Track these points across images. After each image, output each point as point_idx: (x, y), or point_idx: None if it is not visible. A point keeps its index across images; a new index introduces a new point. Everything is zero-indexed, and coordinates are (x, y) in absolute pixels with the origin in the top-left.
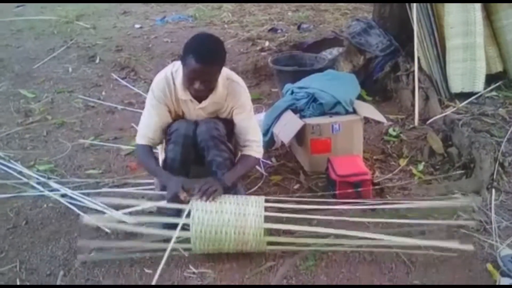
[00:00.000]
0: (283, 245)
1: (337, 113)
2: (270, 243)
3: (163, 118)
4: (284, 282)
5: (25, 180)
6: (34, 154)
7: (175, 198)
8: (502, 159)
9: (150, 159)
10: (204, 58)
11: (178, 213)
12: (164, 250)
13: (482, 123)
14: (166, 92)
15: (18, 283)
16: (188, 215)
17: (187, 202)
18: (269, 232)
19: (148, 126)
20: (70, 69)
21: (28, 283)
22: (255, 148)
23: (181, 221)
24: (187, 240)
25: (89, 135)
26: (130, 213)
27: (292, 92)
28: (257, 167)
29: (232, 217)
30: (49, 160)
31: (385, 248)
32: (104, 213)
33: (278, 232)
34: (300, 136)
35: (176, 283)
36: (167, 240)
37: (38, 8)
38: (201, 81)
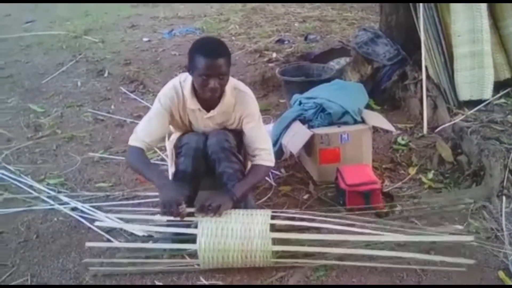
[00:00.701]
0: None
1: (345, 123)
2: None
3: (163, 127)
4: None
5: (35, 194)
6: (44, 168)
7: (172, 206)
8: None
9: (144, 161)
10: (211, 52)
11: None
12: (174, 264)
13: (491, 130)
14: (174, 101)
15: None
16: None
17: (182, 216)
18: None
19: (146, 130)
20: (79, 83)
21: None
22: (265, 156)
23: (188, 231)
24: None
25: (98, 148)
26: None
27: (300, 103)
28: (267, 178)
29: (238, 242)
30: (59, 174)
31: (395, 259)
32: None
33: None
34: (308, 146)
35: None
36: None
37: (46, 24)
38: (214, 76)
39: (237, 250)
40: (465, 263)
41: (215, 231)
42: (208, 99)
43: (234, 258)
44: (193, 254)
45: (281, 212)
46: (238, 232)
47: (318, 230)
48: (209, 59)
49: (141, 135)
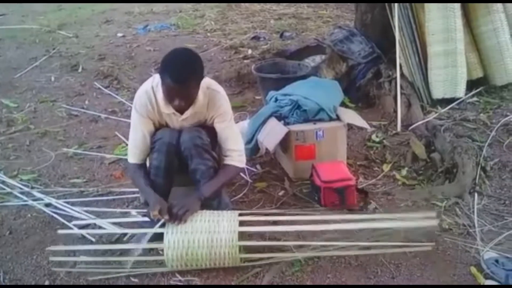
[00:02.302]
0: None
1: (320, 120)
2: (250, 251)
3: (148, 132)
4: None
5: (8, 190)
6: (17, 163)
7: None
8: (484, 163)
9: (139, 178)
10: (180, 78)
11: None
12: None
13: (464, 128)
14: (148, 107)
15: None
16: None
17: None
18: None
19: (135, 143)
20: (52, 78)
21: None
22: (235, 157)
23: (154, 230)
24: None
25: (72, 144)
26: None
27: (276, 99)
28: (242, 174)
29: (205, 237)
30: (32, 169)
31: (367, 250)
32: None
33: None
34: (284, 143)
35: None
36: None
37: (19, 17)
38: (180, 98)
39: (204, 259)
40: (426, 250)
41: (181, 243)
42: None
43: (202, 266)
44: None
45: (252, 213)
46: (205, 242)
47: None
48: (175, 84)
49: (132, 150)
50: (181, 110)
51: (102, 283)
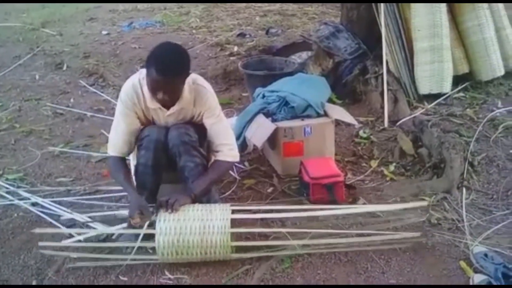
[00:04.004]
0: (253, 251)
1: (308, 116)
2: (240, 249)
3: (132, 126)
4: (261, 285)
5: None
6: (2, 163)
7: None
8: (472, 158)
9: (119, 172)
10: (165, 70)
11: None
12: (137, 259)
13: (451, 123)
14: (134, 100)
15: None
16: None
17: (140, 227)
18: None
19: (117, 136)
20: (37, 77)
21: None
22: (227, 152)
23: (143, 231)
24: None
25: (58, 142)
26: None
27: (263, 96)
28: (230, 171)
29: (197, 224)
30: (18, 168)
31: (357, 247)
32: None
33: (253, 237)
34: (272, 140)
35: None
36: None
37: (1, 15)
38: (164, 92)
39: (196, 247)
40: (416, 245)
41: (173, 229)
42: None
43: (193, 255)
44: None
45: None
46: (197, 229)
47: (282, 222)
48: (161, 77)
49: (113, 142)
50: (166, 105)
51: (90, 282)
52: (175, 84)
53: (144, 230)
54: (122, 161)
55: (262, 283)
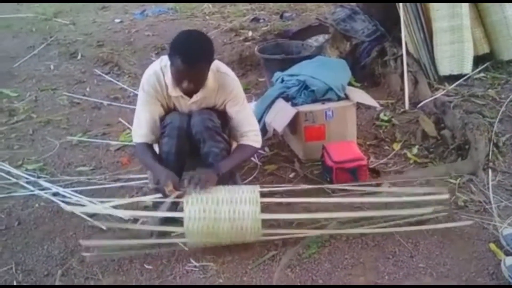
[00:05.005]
0: (282, 233)
1: (329, 100)
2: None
3: (156, 113)
4: (288, 271)
5: (14, 180)
6: (21, 153)
7: (162, 192)
8: (496, 139)
9: (146, 155)
10: (190, 58)
11: (174, 207)
12: (163, 245)
13: (473, 104)
14: (157, 88)
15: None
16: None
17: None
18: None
19: (141, 124)
20: (52, 67)
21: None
22: (252, 137)
23: (175, 214)
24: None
25: (76, 132)
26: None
27: (283, 80)
28: (251, 158)
29: (226, 208)
30: (37, 159)
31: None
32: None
33: (277, 222)
34: (293, 124)
35: (178, 278)
36: (164, 234)
37: (14, 6)
38: (189, 80)
39: (225, 232)
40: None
41: (202, 213)
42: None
43: (223, 239)
44: (182, 236)
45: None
46: (227, 214)
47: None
48: (186, 65)
49: (137, 131)
50: (190, 93)
51: (115, 271)
52: (200, 72)
53: (171, 199)
54: (150, 146)
55: (289, 269)
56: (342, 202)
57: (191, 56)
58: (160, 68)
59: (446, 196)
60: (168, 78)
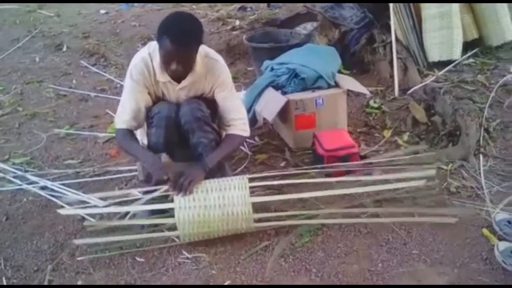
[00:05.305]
0: (275, 220)
1: (319, 88)
2: (260, 220)
3: (142, 100)
4: (282, 261)
5: (1, 175)
6: (8, 147)
7: (160, 182)
8: (487, 124)
9: (129, 141)
10: (179, 39)
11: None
12: (154, 239)
13: (463, 90)
14: (145, 74)
15: (4, 281)
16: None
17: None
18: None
19: (125, 110)
20: (37, 59)
21: (15, 281)
22: (239, 126)
23: (165, 206)
24: (176, 227)
25: (63, 124)
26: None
27: (272, 69)
28: (241, 147)
29: (216, 195)
30: (24, 152)
31: (377, 218)
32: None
33: (268, 210)
34: (283, 113)
35: (170, 270)
36: (155, 226)
37: None
38: (178, 62)
39: (216, 219)
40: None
41: (192, 202)
42: (173, 76)
43: (214, 227)
44: (173, 228)
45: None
46: (216, 200)
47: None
48: (175, 46)
49: (121, 116)
50: (178, 77)
51: (106, 264)
52: (189, 53)
53: (163, 206)
54: (131, 133)
55: (282, 259)
56: (332, 182)
57: (180, 37)
58: (148, 54)
59: (433, 171)
60: (156, 63)
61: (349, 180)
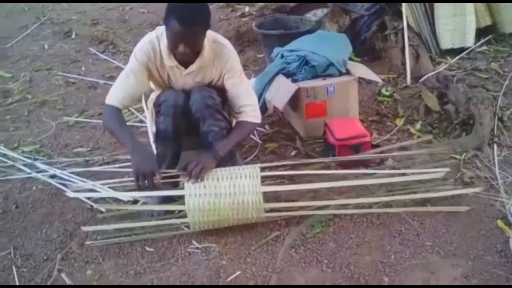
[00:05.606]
0: (285, 211)
1: (330, 75)
2: (271, 210)
3: (141, 84)
4: (293, 252)
5: (10, 163)
6: (17, 135)
7: (146, 177)
8: (501, 113)
9: (118, 122)
10: (186, 19)
11: (175, 185)
12: (164, 226)
13: (476, 78)
14: (151, 56)
15: (14, 270)
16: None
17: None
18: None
19: (122, 88)
20: (46, 46)
21: (25, 270)
22: (250, 113)
23: (176, 193)
24: (186, 215)
25: (72, 112)
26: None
27: (282, 56)
28: (251, 135)
29: (227, 183)
30: (33, 140)
31: (389, 208)
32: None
33: (279, 201)
34: (294, 101)
35: (180, 260)
36: (166, 214)
37: None
38: (185, 44)
39: (227, 208)
40: (462, 211)
41: (203, 189)
42: (180, 60)
43: (224, 216)
44: (183, 216)
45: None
46: (227, 189)
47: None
48: (182, 27)
49: (117, 93)
50: (185, 62)
51: (115, 254)
52: (197, 34)
53: (174, 192)
54: (119, 112)
55: (293, 250)
56: (344, 174)
57: (187, 17)
58: (156, 37)
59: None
60: (164, 47)
61: (362, 173)
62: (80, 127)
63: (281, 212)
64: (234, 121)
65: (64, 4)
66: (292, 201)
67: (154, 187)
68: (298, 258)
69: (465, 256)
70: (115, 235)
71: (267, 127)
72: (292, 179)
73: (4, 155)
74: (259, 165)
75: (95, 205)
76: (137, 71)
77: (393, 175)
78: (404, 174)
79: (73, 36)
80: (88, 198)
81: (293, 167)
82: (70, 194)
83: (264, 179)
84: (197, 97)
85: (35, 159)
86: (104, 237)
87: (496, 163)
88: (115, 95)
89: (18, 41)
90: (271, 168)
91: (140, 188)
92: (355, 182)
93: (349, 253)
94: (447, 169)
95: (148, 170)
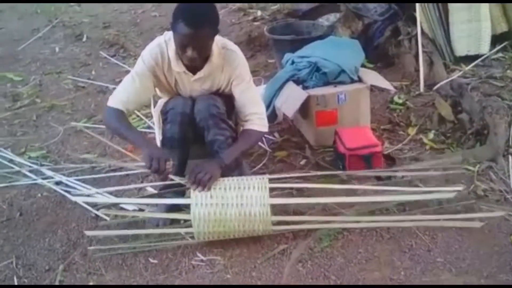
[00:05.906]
0: (293, 224)
1: (341, 82)
2: (279, 223)
3: (146, 89)
4: (299, 266)
5: (16, 168)
6: (24, 140)
7: (159, 160)
8: None
9: (122, 122)
10: (194, 22)
11: (181, 194)
12: (169, 236)
13: (491, 86)
14: (158, 61)
15: (15, 281)
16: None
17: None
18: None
19: (126, 92)
20: (57, 49)
21: (26, 280)
22: (257, 121)
23: (182, 201)
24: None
25: (81, 117)
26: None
27: (293, 62)
28: (260, 143)
29: (234, 194)
30: (40, 146)
31: (400, 223)
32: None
33: (287, 213)
34: (304, 109)
35: (184, 273)
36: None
37: None
38: (193, 47)
39: (233, 219)
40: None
41: (210, 199)
42: (188, 65)
43: (231, 227)
44: (188, 227)
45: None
46: (234, 199)
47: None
48: (189, 29)
49: (121, 96)
50: (193, 67)
51: (119, 265)
52: (205, 37)
53: (179, 201)
54: (124, 114)
55: (300, 264)
56: (355, 188)
57: (195, 19)
58: (164, 41)
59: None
60: (172, 52)
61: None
62: (88, 132)
63: (289, 226)
64: (241, 128)
65: (77, 7)
66: (301, 213)
67: (166, 174)
68: (305, 273)
69: (477, 273)
70: (118, 245)
71: (276, 135)
72: (300, 191)
73: (11, 161)
74: (268, 176)
75: (99, 212)
76: (143, 76)
77: (404, 193)
78: (415, 193)
79: (84, 39)
80: (93, 206)
81: (303, 179)
82: (73, 198)
83: (272, 190)
84: (201, 106)
85: (41, 165)
86: (107, 246)
87: (511, 175)
88: (119, 98)
89: (30, 43)
90: (280, 180)
91: (153, 171)
92: (366, 199)
93: (357, 268)
94: (459, 188)
95: (161, 154)
